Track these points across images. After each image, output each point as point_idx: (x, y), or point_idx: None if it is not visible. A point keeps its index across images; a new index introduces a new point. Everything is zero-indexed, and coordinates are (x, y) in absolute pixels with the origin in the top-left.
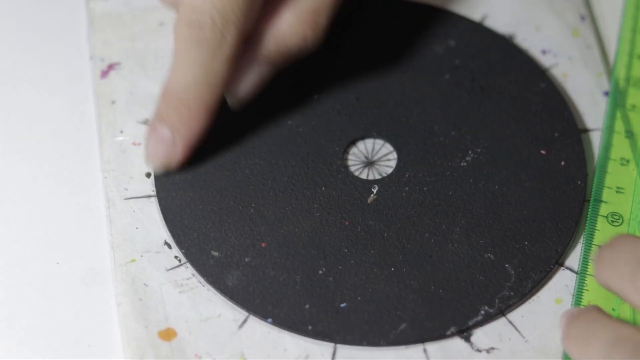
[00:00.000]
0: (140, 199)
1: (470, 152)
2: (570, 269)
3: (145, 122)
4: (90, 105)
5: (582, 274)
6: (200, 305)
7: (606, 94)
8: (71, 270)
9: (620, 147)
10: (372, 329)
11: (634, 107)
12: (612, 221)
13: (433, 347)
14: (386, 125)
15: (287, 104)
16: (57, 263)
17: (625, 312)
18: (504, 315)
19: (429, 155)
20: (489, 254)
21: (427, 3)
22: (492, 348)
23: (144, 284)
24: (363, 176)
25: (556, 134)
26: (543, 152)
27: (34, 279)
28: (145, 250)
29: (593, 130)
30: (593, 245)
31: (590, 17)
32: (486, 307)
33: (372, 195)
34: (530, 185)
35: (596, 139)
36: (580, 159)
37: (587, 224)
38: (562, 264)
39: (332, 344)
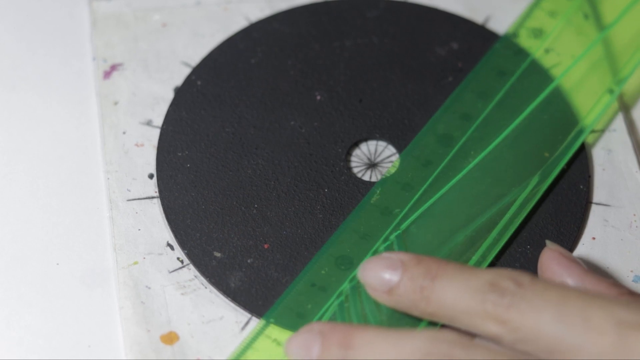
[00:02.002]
0: (142, 200)
1: (472, 153)
2: None
3: (148, 122)
4: (92, 106)
5: None
6: (203, 307)
7: (610, 92)
8: (71, 271)
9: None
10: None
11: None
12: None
13: None
14: (389, 127)
15: (290, 105)
16: (57, 264)
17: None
18: None
19: None
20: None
21: (429, 5)
22: None
23: (147, 287)
24: (366, 178)
25: (559, 137)
26: (546, 154)
27: (34, 280)
28: (147, 252)
29: (596, 131)
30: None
31: (593, 15)
32: None
33: (375, 196)
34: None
35: (599, 141)
36: (583, 163)
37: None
38: None
39: None
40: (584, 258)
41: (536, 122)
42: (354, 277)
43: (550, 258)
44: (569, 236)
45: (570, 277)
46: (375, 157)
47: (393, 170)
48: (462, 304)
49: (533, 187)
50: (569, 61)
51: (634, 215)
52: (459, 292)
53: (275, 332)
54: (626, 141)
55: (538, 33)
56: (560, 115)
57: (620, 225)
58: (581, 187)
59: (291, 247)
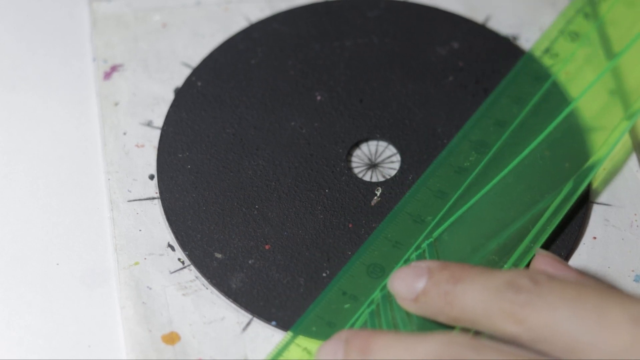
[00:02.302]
0: (143, 201)
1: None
2: None
3: (149, 123)
4: (93, 106)
5: None
6: (204, 308)
7: (610, 93)
8: (71, 271)
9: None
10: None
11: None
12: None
13: None
14: (389, 127)
15: (290, 106)
16: (57, 264)
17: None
18: None
19: (432, 158)
20: (494, 256)
21: (430, 5)
22: None
23: (148, 287)
24: (367, 178)
25: (560, 135)
26: (547, 153)
27: (34, 280)
28: (148, 253)
29: (597, 130)
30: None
31: (593, 15)
32: None
33: (375, 197)
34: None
35: (599, 140)
36: (584, 163)
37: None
38: None
39: None
40: (585, 258)
41: (573, 127)
42: (386, 286)
43: (544, 263)
44: (570, 236)
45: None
46: (376, 158)
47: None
48: (481, 305)
49: (567, 193)
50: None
51: (635, 214)
52: (479, 294)
53: (305, 340)
54: (626, 141)
55: (575, 36)
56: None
57: (621, 224)
58: None
59: (292, 247)
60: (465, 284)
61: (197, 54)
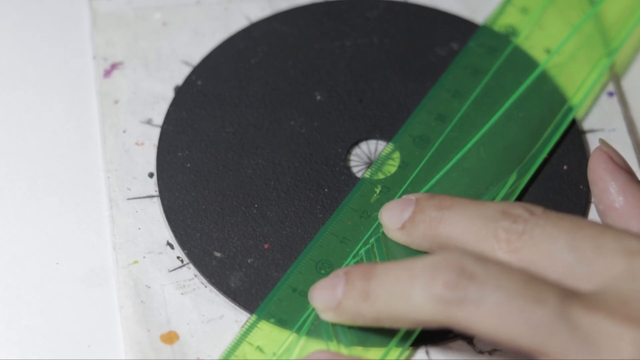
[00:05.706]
0: (143, 199)
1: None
2: None
3: (149, 121)
4: (93, 104)
5: None
6: (203, 307)
7: (610, 94)
8: (71, 271)
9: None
10: (375, 331)
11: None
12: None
13: (435, 349)
14: (389, 127)
15: (290, 105)
16: (57, 263)
17: None
18: None
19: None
20: None
21: (429, 6)
22: (495, 350)
23: (146, 286)
24: None
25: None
26: (545, 155)
27: (34, 279)
28: (147, 251)
29: (595, 131)
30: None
31: (593, 15)
32: None
33: (374, 196)
34: (532, 190)
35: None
36: (583, 164)
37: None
38: None
39: None
40: None
41: (513, 119)
42: None
43: (599, 160)
44: None
45: (614, 183)
46: (375, 157)
47: (393, 170)
48: (472, 230)
49: (511, 185)
50: (555, 43)
51: None
52: (470, 220)
53: (258, 338)
54: (626, 141)
55: (524, 10)
56: (546, 99)
57: None
58: (581, 187)
59: (291, 247)
60: (455, 210)
61: (198, 52)
